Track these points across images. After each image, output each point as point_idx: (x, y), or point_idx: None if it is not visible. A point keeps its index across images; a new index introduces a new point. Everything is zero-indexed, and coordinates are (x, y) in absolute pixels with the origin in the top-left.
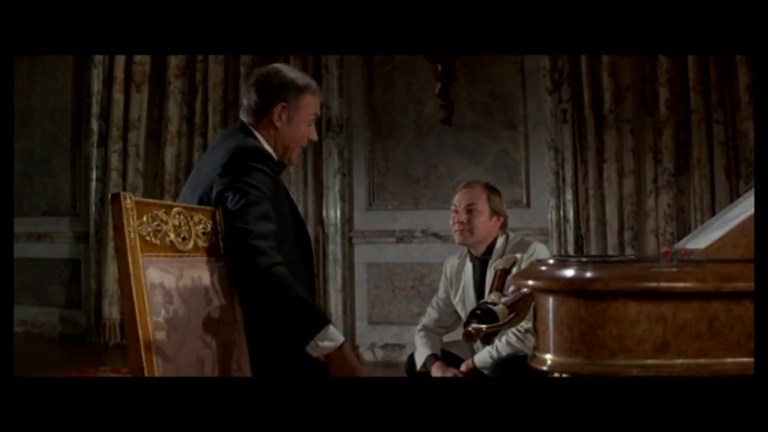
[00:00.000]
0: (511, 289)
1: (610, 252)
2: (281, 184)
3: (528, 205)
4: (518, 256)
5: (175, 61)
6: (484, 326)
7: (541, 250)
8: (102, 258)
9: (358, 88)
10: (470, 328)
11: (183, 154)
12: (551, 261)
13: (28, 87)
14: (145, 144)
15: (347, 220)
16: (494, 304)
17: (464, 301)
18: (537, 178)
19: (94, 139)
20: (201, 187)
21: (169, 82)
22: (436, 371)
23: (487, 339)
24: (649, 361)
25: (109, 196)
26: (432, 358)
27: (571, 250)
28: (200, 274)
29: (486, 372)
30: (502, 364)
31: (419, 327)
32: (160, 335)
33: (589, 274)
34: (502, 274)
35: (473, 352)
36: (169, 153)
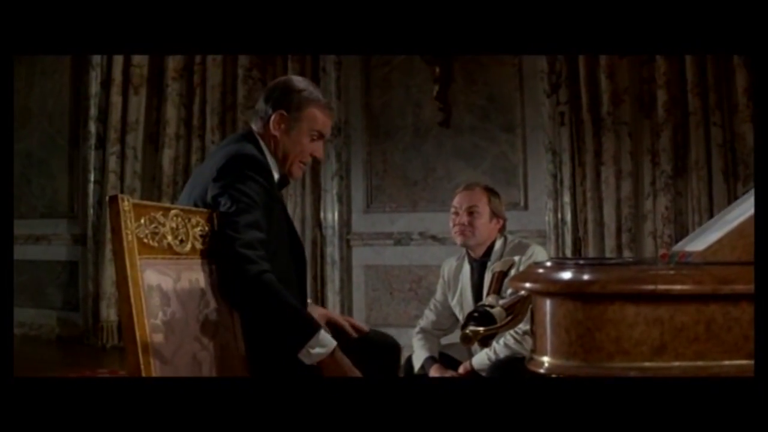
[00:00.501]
0: (509, 291)
1: (607, 254)
2: (277, 196)
3: (526, 207)
4: (516, 258)
5: (173, 64)
6: (481, 329)
7: (539, 253)
8: (100, 260)
9: (355, 91)
10: (468, 331)
11: (181, 157)
12: (548, 263)
13: (26, 89)
14: (142, 146)
15: (345, 223)
16: (492, 307)
17: (462, 303)
18: (535, 181)
19: (92, 141)
20: (197, 190)
21: (167, 84)
22: (434, 374)
23: (485, 342)
24: (647, 364)
25: (107, 198)
26: (430, 360)
27: (568, 253)
28: (198, 276)
29: (484, 374)
30: (500, 366)
31: (417, 329)
32: (158, 337)
33: (586, 277)
34: (500, 277)
35: (471, 355)
36: (167, 155)
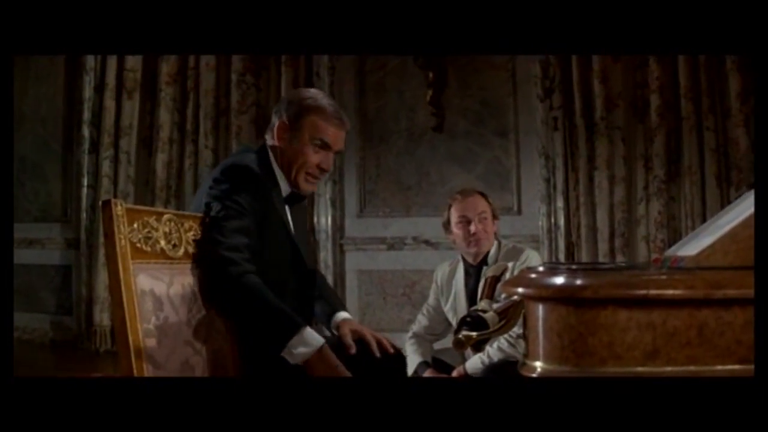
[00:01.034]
0: (502, 296)
1: (600, 259)
2: (277, 207)
3: (519, 212)
4: (510, 264)
5: (166, 68)
6: (474, 334)
7: (533, 257)
8: (93, 264)
9: (349, 95)
10: (460, 336)
11: (174, 161)
12: (541, 268)
13: (20, 93)
14: (136, 151)
15: (338, 227)
16: (484, 312)
17: (455, 308)
18: (528, 186)
19: (86, 145)
20: (198, 197)
21: (161, 89)
22: None
23: (478, 347)
24: (639, 369)
25: (100, 202)
26: (423, 365)
27: (561, 258)
28: (191, 281)
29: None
30: (493, 369)
31: (410, 334)
32: (151, 342)
33: (579, 282)
34: (493, 282)
35: (464, 360)
36: (161, 160)
